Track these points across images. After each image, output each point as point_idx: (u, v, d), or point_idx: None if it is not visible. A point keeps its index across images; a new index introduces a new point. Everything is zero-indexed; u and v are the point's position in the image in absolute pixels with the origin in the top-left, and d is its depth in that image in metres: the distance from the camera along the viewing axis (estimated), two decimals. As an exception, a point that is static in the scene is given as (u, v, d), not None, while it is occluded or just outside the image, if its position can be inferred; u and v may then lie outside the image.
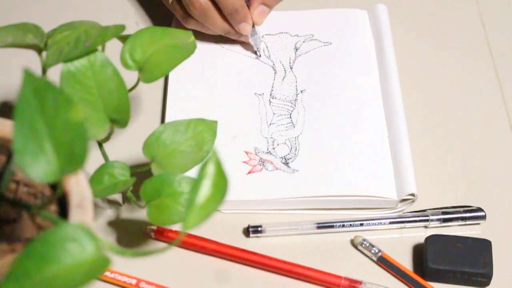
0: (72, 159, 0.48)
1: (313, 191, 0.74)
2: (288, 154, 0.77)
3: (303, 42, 0.86)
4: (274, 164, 0.77)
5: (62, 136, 0.48)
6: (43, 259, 0.46)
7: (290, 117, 0.80)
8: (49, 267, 0.46)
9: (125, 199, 0.73)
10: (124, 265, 0.68)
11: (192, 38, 0.69)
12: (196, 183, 0.51)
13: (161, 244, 0.72)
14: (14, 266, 0.45)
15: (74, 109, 0.49)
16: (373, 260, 0.72)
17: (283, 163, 0.76)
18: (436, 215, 0.74)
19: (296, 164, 0.76)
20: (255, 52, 0.85)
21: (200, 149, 0.69)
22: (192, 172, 0.68)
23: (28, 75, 0.49)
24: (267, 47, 0.86)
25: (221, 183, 0.51)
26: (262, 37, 0.87)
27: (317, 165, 0.76)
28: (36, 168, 0.48)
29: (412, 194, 0.74)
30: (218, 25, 0.83)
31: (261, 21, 0.84)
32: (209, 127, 0.70)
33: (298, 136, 0.79)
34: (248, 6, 0.83)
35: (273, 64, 0.84)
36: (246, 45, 0.86)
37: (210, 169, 0.51)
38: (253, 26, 0.84)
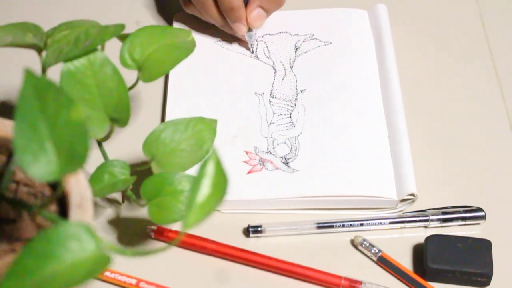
0: (73, 159, 0.48)
1: (313, 191, 0.74)
2: (288, 153, 0.77)
3: (303, 41, 0.86)
4: (274, 164, 0.76)
5: (63, 136, 0.48)
6: (44, 257, 0.46)
7: (290, 117, 0.80)
8: (50, 265, 0.46)
9: (125, 197, 0.73)
10: (124, 265, 0.68)
11: (191, 36, 0.69)
12: (196, 182, 0.51)
13: (161, 244, 0.72)
14: (15, 264, 0.45)
15: (75, 109, 0.49)
16: (373, 260, 0.72)
17: (283, 163, 0.76)
18: (436, 215, 0.74)
19: (296, 163, 0.76)
20: (249, 49, 0.85)
21: (200, 147, 0.69)
22: (192, 171, 0.68)
23: (28, 74, 0.49)
24: (267, 46, 0.86)
25: (221, 182, 0.52)
26: (262, 36, 0.86)
27: (317, 165, 0.76)
28: (37, 167, 0.48)
29: (412, 194, 0.74)
30: (214, 17, 0.83)
31: (257, 24, 0.84)
32: (208, 126, 0.70)
33: (298, 136, 0.79)
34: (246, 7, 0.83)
35: (273, 64, 0.84)
36: (242, 42, 0.85)
37: (210, 168, 0.51)
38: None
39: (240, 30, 0.83)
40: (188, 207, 0.50)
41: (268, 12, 0.84)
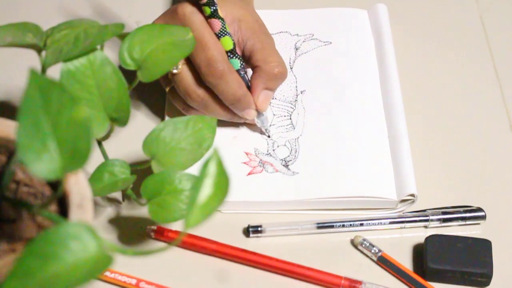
0: (75, 157, 0.49)
1: (313, 194, 0.74)
2: (288, 156, 0.77)
3: (303, 41, 0.86)
4: (274, 166, 0.76)
5: (65, 134, 0.49)
6: (45, 258, 0.46)
7: (290, 118, 0.80)
8: (52, 266, 0.46)
9: (125, 196, 0.73)
10: (124, 265, 0.68)
11: (191, 34, 0.69)
12: (197, 182, 0.51)
13: (161, 244, 0.72)
14: (17, 265, 0.45)
15: (78, 107, 0.49)
16: (373, 260, 0.72)
17: (283, 165, 0.76)
18: (436, 215, 0.74)
19: (296, 166, 0.76)
20: (265, 133, 0.79)
21: (200, 146, 0.69)
22: (192, 169, 0.68)
23: (33, 73, 0.49)
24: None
25: (222, 182, 0.52)
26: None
27: (317, 167, 0.76)
28: (39, 165, 0.48)
29: (412, 195, 0.74)
30: (220, 114, 0.76)
31: (266, 107, 0.77)
32: (208, 124, 0.70)
33: (298, 138, 0.78)
34: (249, 89, 0.76)
35: (273, 64, 0.84)
36: (255, 127, 0.79)
37: (212, 168, 0.51)
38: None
39: (250, 115, 0.76)
40: (189, 207, 0.50)
41: (273, 90, 0.77)
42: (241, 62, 0.76)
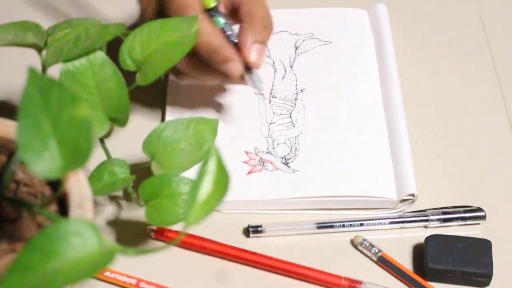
0: (76, 156, 0.49)
1: (313, 192, 0.74)
2: (288, 154, 0.77)
3: (303, 40, 0.86)
4: (274, 164, 0.76)
5: (66, 133, 0.49)
6: (46, 253, 0.46)
7: (290, 117, 0.80)
8: (53, 261, 0.46)
9: (126, 195, 0.73)
10: (124, 265, 0.68)
11: (195, 27, 0.67)
12: (197, 180, 0.51)
13: (161, 244, 0.72)
14: (17, 260, 0.45)
15: (78, 106, 0.49)
16: (373, 260, 0.72)
17: (283, 163, 0.76)
18: (436, 215, 0.74)
19: (296, 164, 0.76)
20: (261, 90, 0.76)
21: (200, 147, 0.69)
22: (192, 171, 0.68)
23: (32, 72, 0.49)
24: (267, 45, 0.85)
25: (222, 180, 0.51)
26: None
27: (317, 165, 0.76)
28: (40, 164, 0.48)
29: (412, 195, 0.74)
30: (210, 75, 0.73)
31: (260, 62, 0.73)
32: (209, 126, 0.70)
33: (298, 136, 0.79)
34: (239, 47, 0.73)
35: (273, 63, 0.84)
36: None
37: (212, 165, 0.51)
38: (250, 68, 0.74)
39: (233, 69, 0.71)
40: (189, 204, 0.50)
41: (264, 43, 0.74)
42: (226, 19, 0.73)
